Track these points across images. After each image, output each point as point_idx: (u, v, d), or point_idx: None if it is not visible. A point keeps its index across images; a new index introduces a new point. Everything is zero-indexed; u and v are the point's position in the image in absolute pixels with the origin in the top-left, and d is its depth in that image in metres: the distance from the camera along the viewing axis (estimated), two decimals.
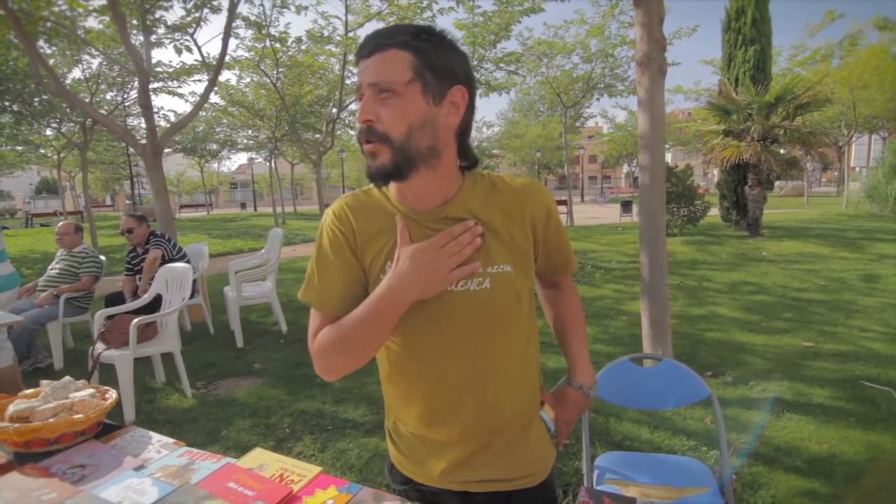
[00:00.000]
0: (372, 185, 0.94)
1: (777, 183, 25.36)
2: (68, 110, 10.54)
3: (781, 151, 10.34)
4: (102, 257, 4.35)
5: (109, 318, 3.29)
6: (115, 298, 4.10)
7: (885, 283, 5.91)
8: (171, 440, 1.17)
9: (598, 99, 14.29)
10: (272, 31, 8.62)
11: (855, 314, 4.70)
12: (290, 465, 1.06)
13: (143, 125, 5.46)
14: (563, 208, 15.35)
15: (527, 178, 0.95)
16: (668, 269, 3.05)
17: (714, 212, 11.41)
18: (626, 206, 15.95)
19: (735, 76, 10.61)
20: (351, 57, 9.98)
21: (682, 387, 1.64)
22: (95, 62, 9.68)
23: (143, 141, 5.16)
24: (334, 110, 11.30)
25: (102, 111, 10.59)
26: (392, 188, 0.89)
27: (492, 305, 0.85)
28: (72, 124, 11.80)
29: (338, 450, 2.55)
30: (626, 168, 43.67)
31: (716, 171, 12.06)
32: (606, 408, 2.81)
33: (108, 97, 11.66)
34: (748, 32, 10.49)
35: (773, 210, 15.32)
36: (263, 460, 1.09)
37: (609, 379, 1.67)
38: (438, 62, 0.79)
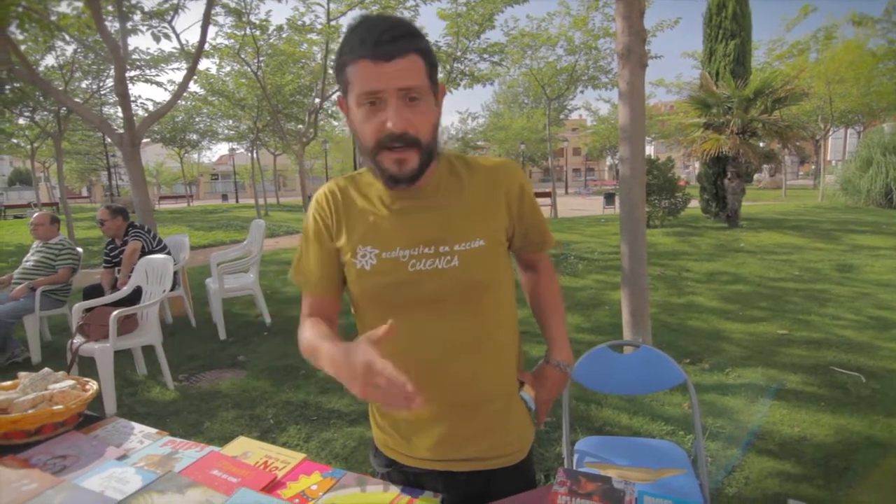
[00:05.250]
0: (357, 172, 0.99)
1: (756, 176, 25.85)
2: (41, 98, 10.21)
3: (760, 145, 10.53)
4: (80, 249, 4.27)
5: (88, 310, 3.24)
6: (93, 291, 4.03)
7: (857, 273, 6.09)
8: (153, 430, 1.17)
9: (581, 91, 14.40)
10: (252, 18, 8.46)
11: (828, 303, 4.85)
12: (275, 453, 1.07)
13: (120, 114, 5.33)
14: (547, 200, 15.45)
15: (500, 158, 0.99)
16: (650, 259, 3.11)
17: (694, 204, 11.59)
18: (609, 198, 16.11)
19: (716, 70, 10.74)
20: (334, 46, 9.85)
21: (660, 373, 1.68)
22: (70, 49, 9.39)
23: (120, 130, 5.05)
24: (317, 100, 11.18)
25: (77, 100, 10.31)
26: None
27: (462, 281, 0.88)
28: (45, 113, 11.45)
29: (323, 439, 2.57)
30: (609, 160, 43.98)
31: (696, 164, 12.26)
32: (587, 395, 2.87)
33: (82, 85, 11.34)
34: (729, 26, 10.62)
35: (751, 202, 15.62)
36: (247, 448, 1.10)
37: (589, 366, 1.71)
38: (434, 64, 0.84)
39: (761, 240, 8.75)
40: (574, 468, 1.55)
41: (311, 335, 0.89)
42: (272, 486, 0.96)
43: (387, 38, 0.77)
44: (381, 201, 0.92)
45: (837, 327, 4.13)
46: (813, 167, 32.54)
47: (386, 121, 0.78)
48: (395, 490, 0.94)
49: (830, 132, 21.35)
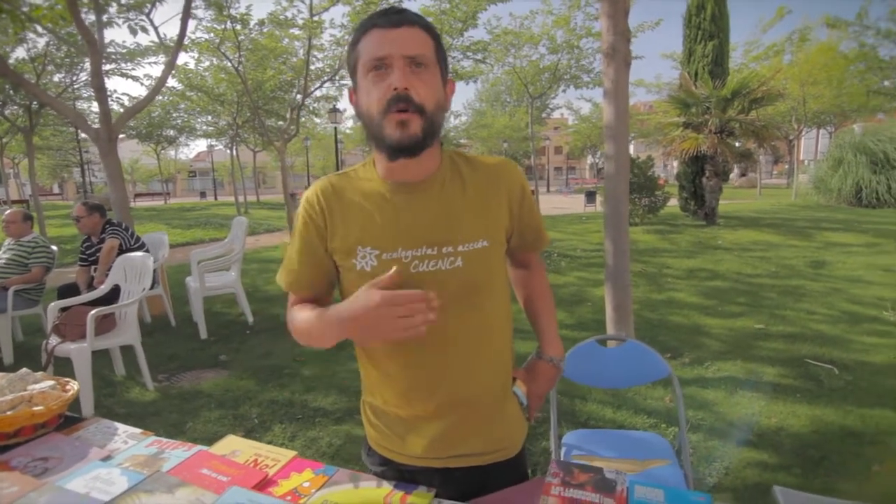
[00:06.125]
0: (351, 168, 0.96)
1: (731, 175, 26.39)
2: (11, 92, 9.89)
3: (737, 144, 10.76)
4: (54, 247, 4.15)
5: (63, 310, 3.15)
6: (68, 290, 3.92)
7: (830, 269, 6.27)
8: (137, 430, 1.15)
9: (564, 90, 14.48)
10: (233, 12, 8.31)
11: (803, 298, 4.98)
12: (264, 451, 1.06)
13: (94, 109, 5.19)
14: None
15: (499, 158, 0.98)
16: (631, 256, 3.15)
17: (673, 202, 11.79)
18: (590, 196, 16.29)
19: (695, 70, 10.93)
20: (316, 41, 9.75)
21: (645, 366, 1.71)
22: (41, 41, 9.11)
23: (96, 125, 4.92)
24: (298, 97, 11.05)
25: (49, 93, 10.01)
26: (379, 165, 0.91)
27: (464, 282, 0.87)
28: (15, 107, 11.08)
29: (309, 438, 2.55)
30: (590, 159, 44.45)
31: (675, 163, 12.47)
32: (573, 389, 2.90)
33: (55, 79, 11.01)
34: (707, 27, 10.81)
35: (728, 200, 15.94)
36: (236, 447, 1.08)
37: (575, 360, 1.72)
38: (442, 47, 0.86)
39: (738, 237, 8.95)
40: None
41: (306, 314, 0.90)
42: (263, 484, 0.94)
43: (395, 10, 0.81)
44: (381, 197, 0.89)
45: (812, 321, 4.25)
46: (786, 166, 33.35)
47: (391, 84, 0.79)
48: (388, 486, 0.94)
49: (803, 132, 21.91)
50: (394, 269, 0.80)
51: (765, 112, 12.04)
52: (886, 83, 17.16)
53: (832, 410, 2.71)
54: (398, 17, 0.80)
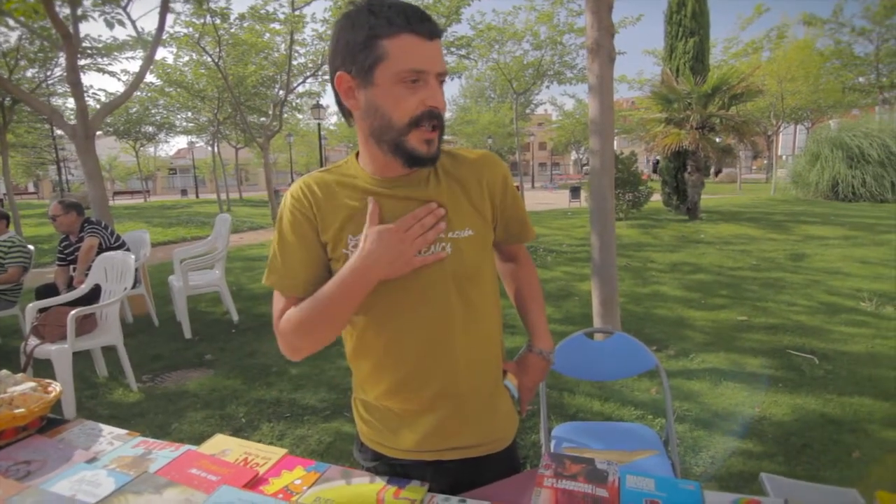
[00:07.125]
0: (336, 163, 0.95)
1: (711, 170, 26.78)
2: None
3: (717, 140, 10.92)
4: (31, 247, 4.05)
5: (42, 310, 3.07)
6: (46, 290, 3.82)
7: (809, 262, 6.41)
8: (123, 431, 1.13)
9: (548, 86, 14.61)
10: (212, 6, 8.16)
11: (783, 290, 5.09)
12: (254, 449, 1.05)
13: (69, 105, 5.06)
14: None
15: (482, 151, 0.98)
16: (616, 250, 3.18)
17: (656, 197, 11.94)
18: (574, 191, 16.41)
19: (676, 66, 11.05)
20: (297, 37, 9.64)
21: (632, 358, 1.73)
22: (14, 35, 8.84)
23: (72, 122, 4.80)
24: (281, 92, 10.92)
25: (23, 89, 9.73)
26: (364, 159, 0.91)
27: (454, 269, 0.88)
28: None
29: (297, 436, 2.53)
30: (574, 155, 44.72)
31: (657, 158, 12.62)
32: (561, 383, 2.92)
33: (28, 74, 10.71)
34: (688, 24, 10.93)
35: (709, 195, 16.19)
36: (225, 446, 1.07)
37: (564, 353, 1.74)
38: None
39: (720, 231, 9.09)
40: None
41: (305, 304, 0.87)
42: (254, 483, 0.93)
43: (425, 16, 0.79)
44: (367, 192, 0.89)
45: (792, 313, 4.35)
46: (765, 162, 33.96)
47: (425, 99, 0.79)
48: (381, 481, 0.93)
49: (781, 128, 22.33)
50: (370, 200, 0.85)
51: (744, 108, 12.24)
52: (861, 80, 17.61)
53: (813, 399, 2.77)
54: (431, 28, 0.79)
